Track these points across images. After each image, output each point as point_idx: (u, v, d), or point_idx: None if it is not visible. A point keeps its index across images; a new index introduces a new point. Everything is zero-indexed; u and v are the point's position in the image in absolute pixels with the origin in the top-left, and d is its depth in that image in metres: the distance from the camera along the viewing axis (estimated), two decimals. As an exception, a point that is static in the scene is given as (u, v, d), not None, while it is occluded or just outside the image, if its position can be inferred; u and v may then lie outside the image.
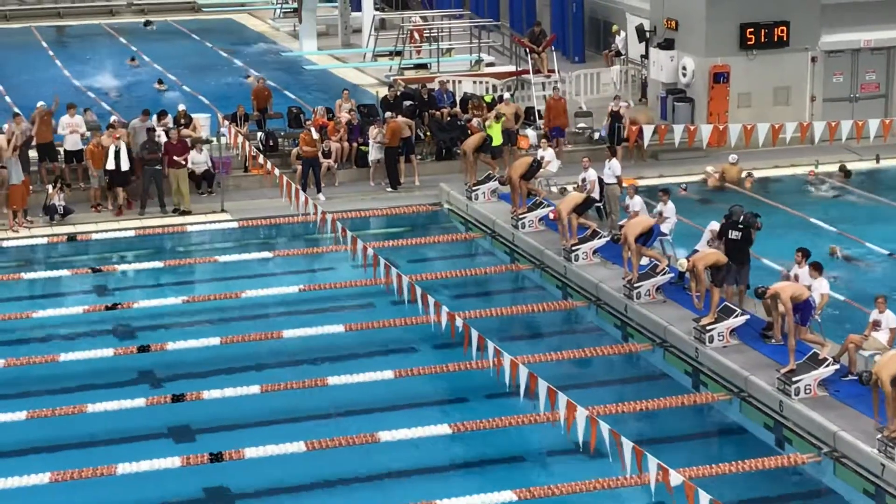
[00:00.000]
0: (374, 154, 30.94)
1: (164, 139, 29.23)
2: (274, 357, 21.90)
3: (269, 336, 22.28)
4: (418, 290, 21.16)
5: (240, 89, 37.57)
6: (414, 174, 30.98)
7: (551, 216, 26.05)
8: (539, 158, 27.62)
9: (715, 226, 22.69)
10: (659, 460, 15.68)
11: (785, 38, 33.54)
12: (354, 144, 31.52)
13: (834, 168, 31.58)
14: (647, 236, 22.99)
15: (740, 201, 24.78)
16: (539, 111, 33.71)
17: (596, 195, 26.61)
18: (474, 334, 19.41)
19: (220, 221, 28.60)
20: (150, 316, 23.74)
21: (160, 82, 42.30)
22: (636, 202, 24.90)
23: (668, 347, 21.43)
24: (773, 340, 20.45)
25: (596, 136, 32.70)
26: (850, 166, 31.54)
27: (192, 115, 31.64)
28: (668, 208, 24.59)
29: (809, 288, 20.45)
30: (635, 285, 22.58)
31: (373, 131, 30.92)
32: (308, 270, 26.73)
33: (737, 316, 20.81)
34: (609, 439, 16.44)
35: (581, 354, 21.40)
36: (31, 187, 28.51)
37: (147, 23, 51.31)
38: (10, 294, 24.96)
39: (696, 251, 22.39)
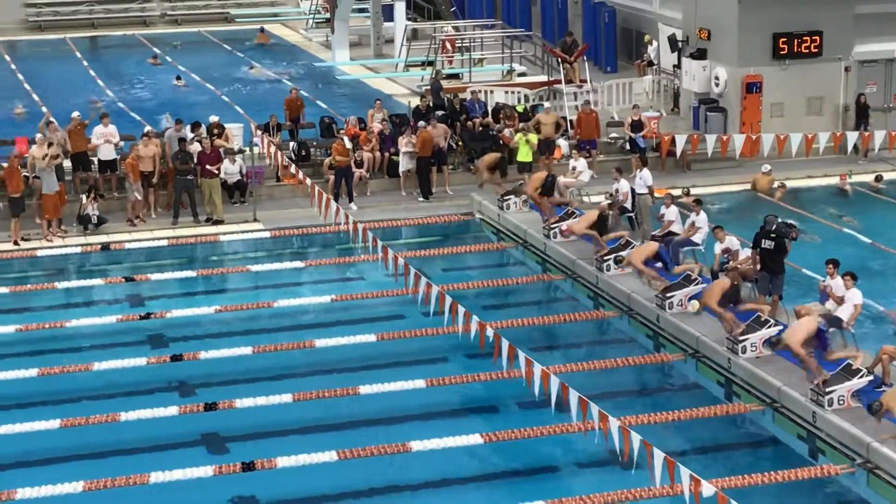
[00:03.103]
0: (405, 164, 30.99)
1: (198, 149, 29.37)
2: (306, 366, 21.95)
3: (301, 345, 22.32)
4: (448, 300, 21.17)
5: (273, 99, 37.67)
6: (445, 184, 31.01)
7: (564, 227, 25.97)
8: (553, 175, 27.59)
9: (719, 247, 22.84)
10: (691, 471, 15.64)
11: (818, 48, 33.46)
12: (386, 154, 31.59)
13: (869, 178, 31.49)
14: (655, 259, 23.13)
15: (774, 212, 24.68)
16: (571, 121, 33.70)
17: (628, 206, 26.63)
18: (505, 344, 19.40)
19: (252, 231, 28.70)
20: (183, 325, 23.84)
21: (178, 79, 42.56)
22: (672, 212, 24.88)
23: (700, 358, 21.35)
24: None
25: (624, 144, 32.69)
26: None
27: (225, 126, 31.79)
28: (701, 218, 24.52)
29: (843, 299, 20.41)
30: (668, 295, 22.52)
31: (402, 141, 30.98)
32: (340, 280, 26.78)
33: (770, 326, 20.72)
34: (640, 450, 16.39)
35: (613, 364, 21.33)
36: (65, 197, 28.67)
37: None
38: (45, 303, 25.10)
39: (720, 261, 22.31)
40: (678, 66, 36.21)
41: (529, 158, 30.89)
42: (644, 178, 27.08)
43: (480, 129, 32.54)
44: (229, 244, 28.37)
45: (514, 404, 20.44)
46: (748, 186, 30.87)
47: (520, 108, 34.12)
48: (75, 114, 30.41)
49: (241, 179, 30.32)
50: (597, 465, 18.41)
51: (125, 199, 29.18)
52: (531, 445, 18.84)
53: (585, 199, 29.16)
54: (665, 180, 30.29)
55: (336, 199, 27.91)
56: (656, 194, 27.27)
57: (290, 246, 28.59)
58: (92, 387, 21.14)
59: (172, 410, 19.76)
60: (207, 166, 29.11)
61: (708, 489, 15.49)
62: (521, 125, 32.00)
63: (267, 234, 28.43)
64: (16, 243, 27.65)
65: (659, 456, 15.97)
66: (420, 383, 20.46)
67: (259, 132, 30.88)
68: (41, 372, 21.24)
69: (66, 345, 23.10)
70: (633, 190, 26.72)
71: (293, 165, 29.04)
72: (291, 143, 32.18)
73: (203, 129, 30.84)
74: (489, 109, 33.95)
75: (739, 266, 22.73)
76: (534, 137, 31.10)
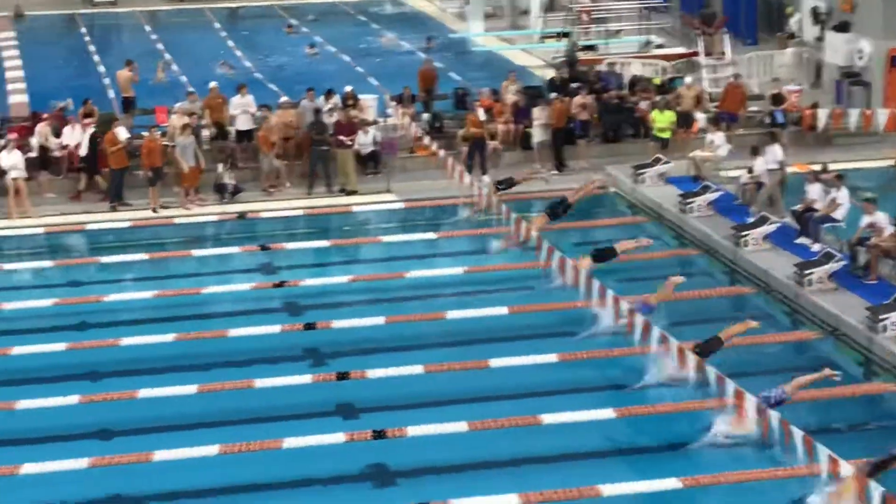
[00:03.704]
0: (539, 136, 30.77)
1: (333, 119, 29.51)
2: (437, 337, 21.92)
3: (433, 316, 22.32)
4: (582, 274, 20.97)
5: (407, 70, 37.66)
6: (581, 157, 30.71)
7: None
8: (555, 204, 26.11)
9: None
10: (829, 450, 15.30)
11: (967, 20, 32.48)
12: (520, 126, 31.40)
13: None
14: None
15: None
16: (710, 94, 33.15)
17: (766, 180, 26.16)
18: (639, 319, 19.16)
19: (385, 202, 28.79)
20: (317, 294, 24.00)
21: (311, 47, 42.77)
22: (815, 189, 24.35)
23: (839, 336, 20.88)
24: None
25: (764, 118, 32.05)
26: None
27: (359, 96, 31.90)
28: (842, 194, 23.99)
29: None
30: (805, 272, 22.05)
31: (537, 112, 30.78)
32: (472, 252, 26.68)
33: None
34: (778, 428, 16.08)
35: (749, 342, 20.93)
36: (203, 166, 29.05)
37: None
38: (182, 270, 25.47)
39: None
40: (821, 38, 35.41)
41: (668, 135, 30.45)
42: (775, 153, 26.55)
43: (616, 101, 32.17)
44: (362, 214, 28.49)
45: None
46: (892, 162, 30.09)
47: (657, 81, 33.67)
48: (213, 84, 30.78)
49: (375, 150, 30.42)
50: (733, 444, 18.07)
51: (260, 169, 29.50)
52: (665, 422, 18.59)
53: (723, 173, 28.68)
54: (806, 155, 29.67)
55: (469, 171, 27.82)
56: (797, 169, 26.73)
57: (422, 217, 28.60)
58: (227, 353, 21.41)
59: (306, 378, 19.94)
60: (342, 137, 29.25)
61: (846, 469, 15.14)
62: (657, 98, 31.58)
63: (400, 205, 28.47)
64: (154, 211, 28.13)
65: (797, 435, 15.66)
66: (552, 357, 20.31)
67: (393, 103, 30.92)
68: (177, 337, 21.56)
69: (201, 311, 23.43)
70: (767, 165, 26.27)
71: (427, 137, 29.01)
72: (425, 115, 32.20)
73: (336, 99, 30.97)
74: (625, 82, 33.56)
75: (881, 243, 22.20)
76: (671, 114, 30.61)
